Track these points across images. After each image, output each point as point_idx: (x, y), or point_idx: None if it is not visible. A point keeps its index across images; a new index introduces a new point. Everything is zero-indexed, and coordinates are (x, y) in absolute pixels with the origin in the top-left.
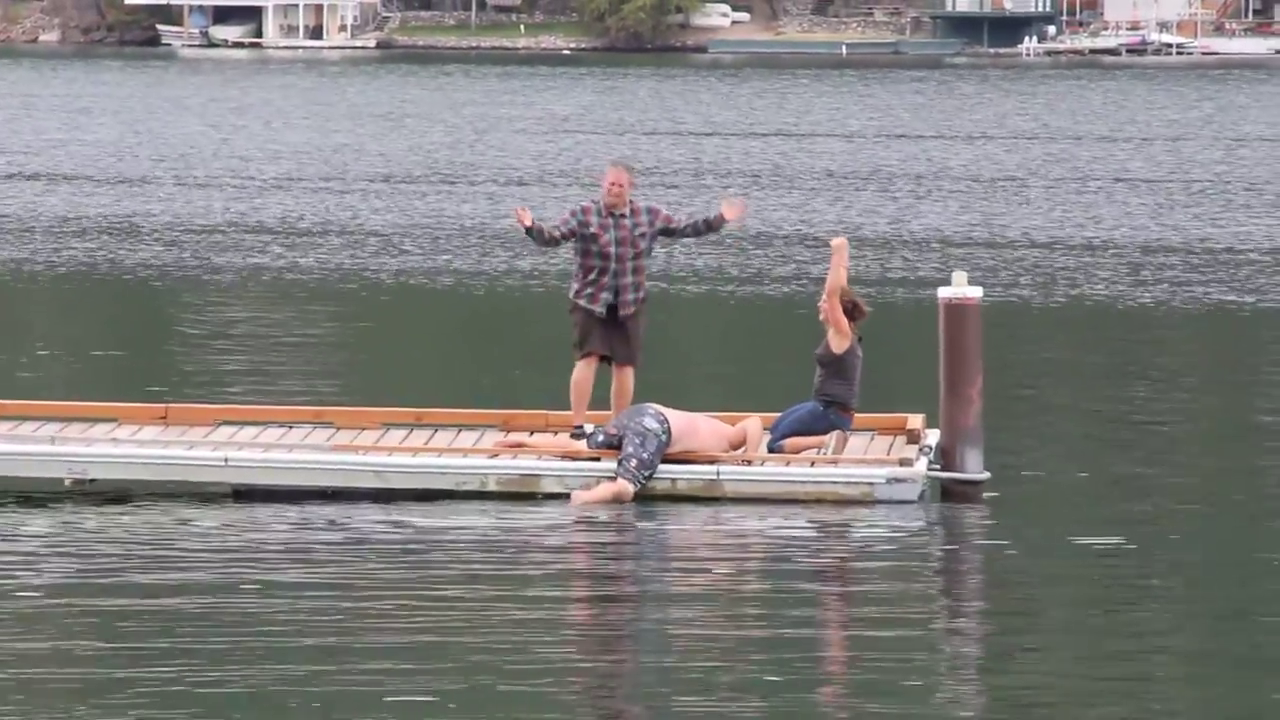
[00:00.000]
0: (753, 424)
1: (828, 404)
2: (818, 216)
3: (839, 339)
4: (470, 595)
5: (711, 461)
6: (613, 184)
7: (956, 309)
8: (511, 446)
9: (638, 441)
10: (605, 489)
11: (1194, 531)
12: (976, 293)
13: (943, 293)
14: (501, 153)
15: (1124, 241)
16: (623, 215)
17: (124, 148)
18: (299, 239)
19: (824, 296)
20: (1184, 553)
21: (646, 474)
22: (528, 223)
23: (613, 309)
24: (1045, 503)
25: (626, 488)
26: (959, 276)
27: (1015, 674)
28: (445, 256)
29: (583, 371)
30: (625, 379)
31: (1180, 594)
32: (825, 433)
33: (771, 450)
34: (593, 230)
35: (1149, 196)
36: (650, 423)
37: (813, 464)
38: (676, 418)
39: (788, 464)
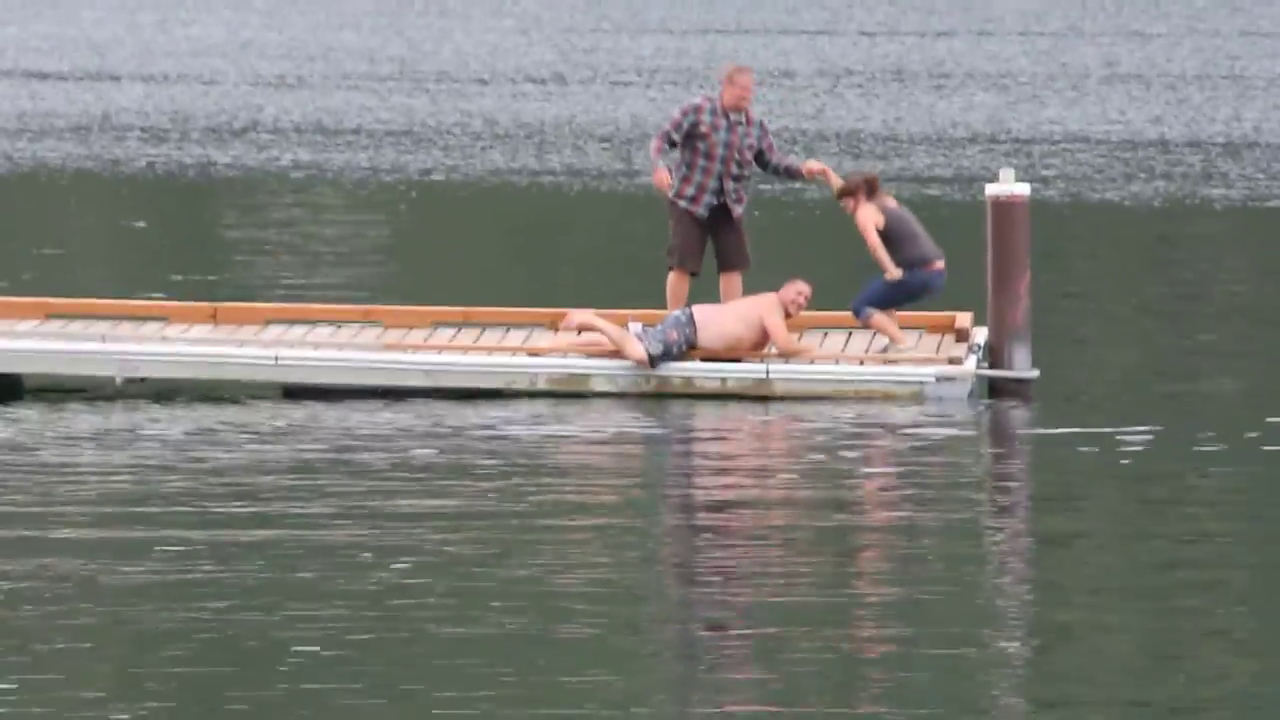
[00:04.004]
0: (766, 306)
1: (908, 267)
2: (858, 115)
3: (874, 218)
4: (514, 503)
5: (761, 360)
6: (744, 86)
7: (1004, 206)
8: (581, 329)
9: (660, 325)
10: (614, 330)
11: (1241, 427)
12: (1024, 189)
13: (990, 190)
14: (556, 50)
15: (1177, 139)
16: (739, 121)
17: (168, 44)
18: (346, 139)
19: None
20: (1231, 449)
21: (659, 346)
22: (667, 184)
23: (717, 209)
24: (1093, 400)
25: (634, 346)
26: (1006, 173)
27: (1060, 569)
28: (495, 155)
29: (677, 284)
30: (734, 285)
31: (1227, 489)
32: (919, 291)
33: (861, 317)
34: (703, 130)
35: (1207, 93)
36: (676, 313)
37: (862, 362)
38: (702, 308)
39: (836, 362)
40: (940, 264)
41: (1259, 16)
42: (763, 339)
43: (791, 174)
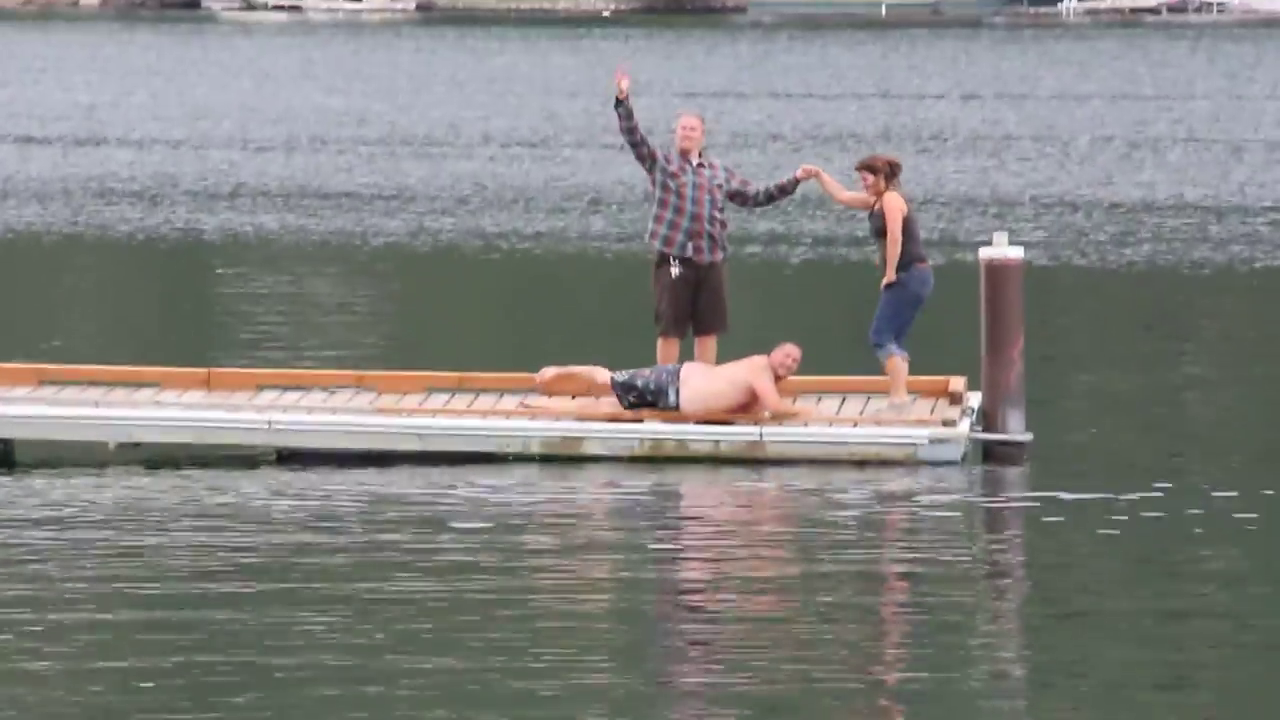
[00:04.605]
0: (755, 369)
1: (908, 264)
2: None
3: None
4: (508, 562)
5: (755, 422)
6: (686, 127)
7: (998, 269)
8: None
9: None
10: (581, 368)
11: (1237, 492)
12: (1018, 253)
13: (984, 253)
14: (541, 116)
15: (1165, 202)
16: (700, 164)
17: (162, 111)
18: (338, 202)
19: (842, 200)
20: (1226, 513)
21: (627, 374)
22: (624, 90)
23: (690, 262)
24: (1086, 464)
25: (600, 373)
26: (1000, 237)
27: (1057, 637)
28: (486, 219)
29: (666, 349)
30: (708, 349)
31: (1223, 555)
32: (921, 291)
33: (881, 351)
34: (673, 169)
35: (1192, 157)
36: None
37: (855, 424)
38: (692, 365)
39: (829, 424)
40: (926, 262)
41: (1245, 80)
42: (748, 401)
43: (785, 191)
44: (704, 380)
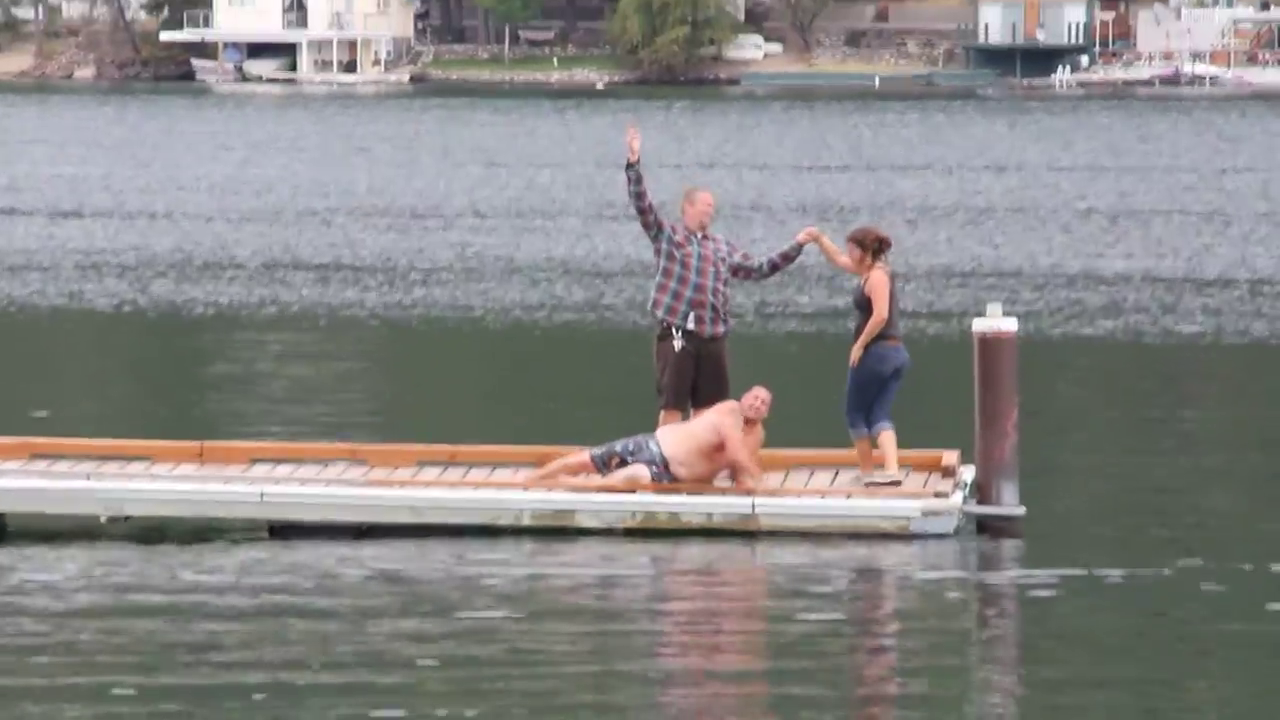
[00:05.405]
0: (724, 412)
1: (879, 338)
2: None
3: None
4: (503, 634)
5: (748, 493)
6: (705, 203)
7: (991, 341)
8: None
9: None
10: (570, 459)
11: (1232, 567)
12: (1011, 325)
13: (977, 325)
14: (532, 188)
15: (1159, 274)
16: (705, 237)
17: (151, 184)
18: (329, 274)
19: (840, 264)
20: (1222, 589)
21: (602, 450)
22: (636, 153)
23: (692, 334)
24: (1081, 537)
25: (581, 455)
26: (994, 308)
27: (1050, 712)
28: (475, 291)
29: (669, 422)
30: None
31: (1218, 631)
32: (889, 375)
33: (871, 436)
34: (678, 239)
35: (1183, 229)
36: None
37: (849, 495)
38: (664, 427)
39: (822, 496)
40: (898, 339)
41: (1229, 154)
42: (721, 443)
43: (788, 258)
44: (683, 432)
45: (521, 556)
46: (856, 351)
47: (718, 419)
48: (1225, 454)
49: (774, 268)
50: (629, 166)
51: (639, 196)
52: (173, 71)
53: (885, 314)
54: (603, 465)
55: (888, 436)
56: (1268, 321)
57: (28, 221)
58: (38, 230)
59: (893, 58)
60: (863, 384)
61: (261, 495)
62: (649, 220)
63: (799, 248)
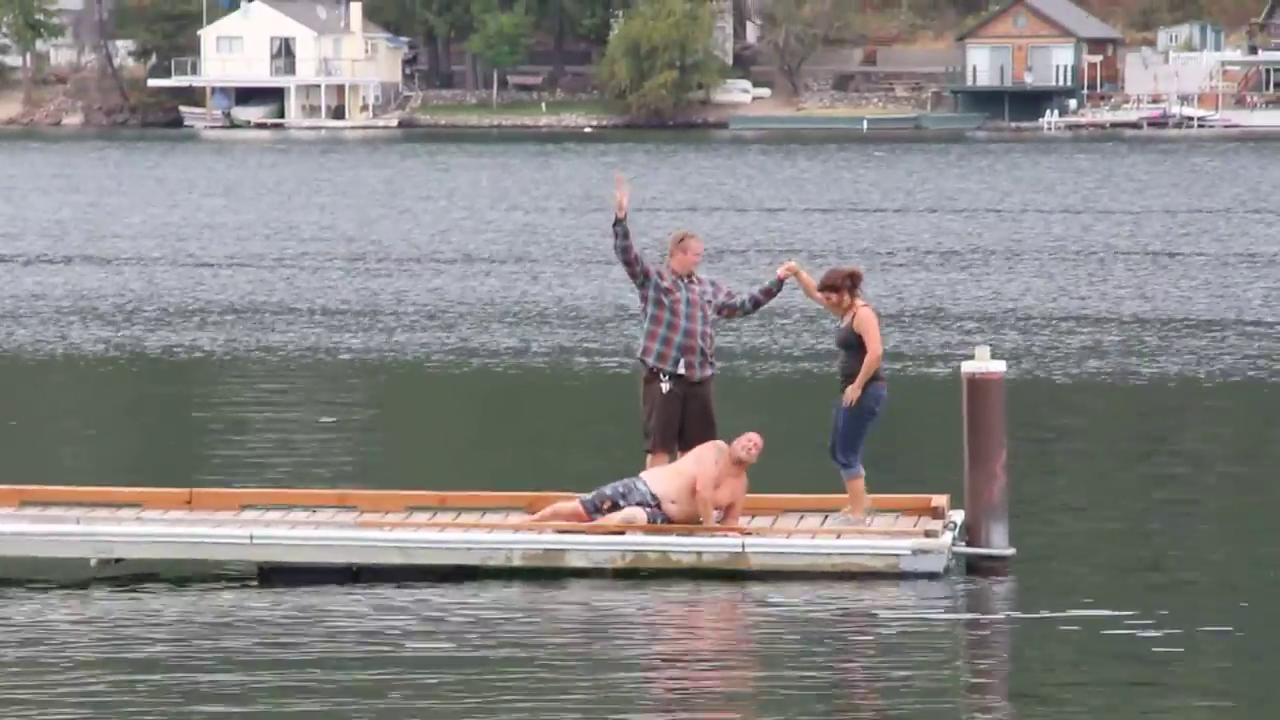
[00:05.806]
0: (707, 448)
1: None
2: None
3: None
4: (491, 675)
5: (743, 533)
6: (694, 252)
7: (980, 384)
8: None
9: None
10: (561, 507)
11: (1222, 609)
12: (1000, 367)
13: (966, 367)
14: (520, 232)
15: (1147, 315)
16: (692, 280)
17: (138, 229)
18: (317, 320)
19: (818, 299)
20: (1212, 631)
21: (592, 495)
22: (624, 208)
23: (681, 379)
24: (1070, 579)
25: (574, 504)
26: (982, 351)
27: None
28: (464, 336)
29: (656, 465)
30: None
31: (1209, 673)
32: (871, 415)
33: (848, 471)
34: (666, 284)
35: (1171, 270)
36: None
37: (839, 535)
38: (650, 470)
39: (812, 536)
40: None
41: (1213, 196)
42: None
43: (770, 294)
44: (665, 467)
45: (511, 597)
46: (855, 391)
47: (699, 452)
48: (1215, 495)
49: (756, 304)
50: (616, 222)
51: (625, 250)
52: (161, 118)
53: (880, 350)
54: (594, 510)
55: (860, 486)
56: (1256, 362)
57: (13, 268)
58: (24, 276)
59: (881, 101)
60: (859, 423)
61: (251, 537)
62: (635, 270)
63: (779, 283)
